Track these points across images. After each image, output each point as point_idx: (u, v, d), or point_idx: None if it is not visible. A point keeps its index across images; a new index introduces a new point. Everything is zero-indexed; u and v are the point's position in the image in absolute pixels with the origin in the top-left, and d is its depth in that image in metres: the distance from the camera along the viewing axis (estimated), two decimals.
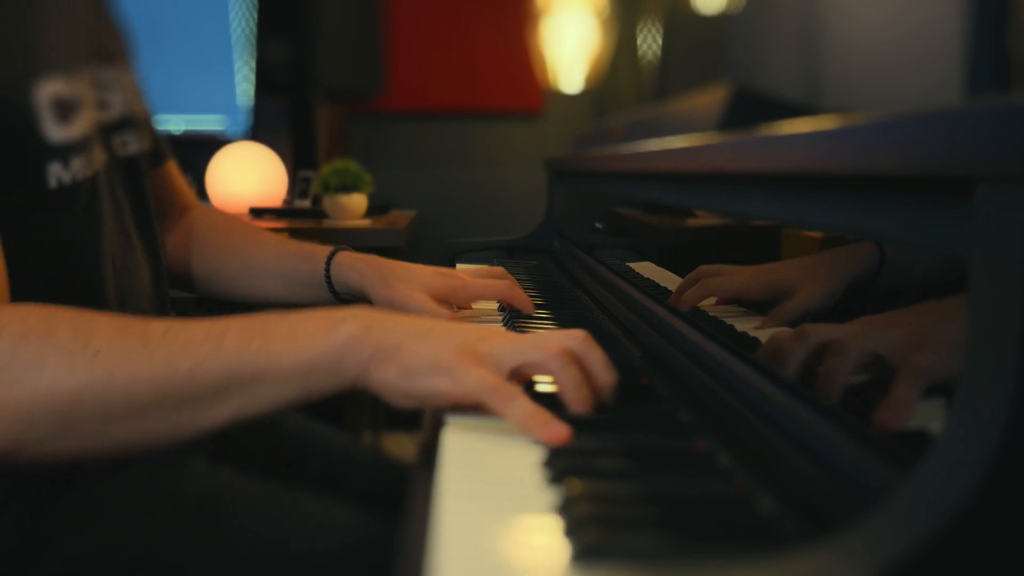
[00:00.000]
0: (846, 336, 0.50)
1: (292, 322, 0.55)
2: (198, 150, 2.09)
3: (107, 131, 0.77)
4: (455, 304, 0.87)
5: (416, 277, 0.85)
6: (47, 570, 0.64)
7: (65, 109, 0.68)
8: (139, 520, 0.67)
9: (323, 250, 0.90)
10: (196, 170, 1.98)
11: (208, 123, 2.56)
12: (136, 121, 0.82)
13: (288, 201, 1.99)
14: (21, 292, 0.60)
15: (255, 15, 1.99)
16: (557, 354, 0.53)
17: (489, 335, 0.55)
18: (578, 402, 0.53)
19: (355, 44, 2.02)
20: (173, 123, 2.53)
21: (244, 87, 2.53)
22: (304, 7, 1.90)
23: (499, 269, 0.92)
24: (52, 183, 0.66)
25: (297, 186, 1.95)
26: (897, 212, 0.38)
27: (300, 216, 1.85)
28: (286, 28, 1.92)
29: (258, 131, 2.43)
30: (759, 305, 0.75)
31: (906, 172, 0.34)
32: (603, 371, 0.55)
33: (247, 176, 1.95)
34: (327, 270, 0.88)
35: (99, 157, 0.74)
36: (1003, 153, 0.28)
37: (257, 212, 1.86)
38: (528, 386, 0.59)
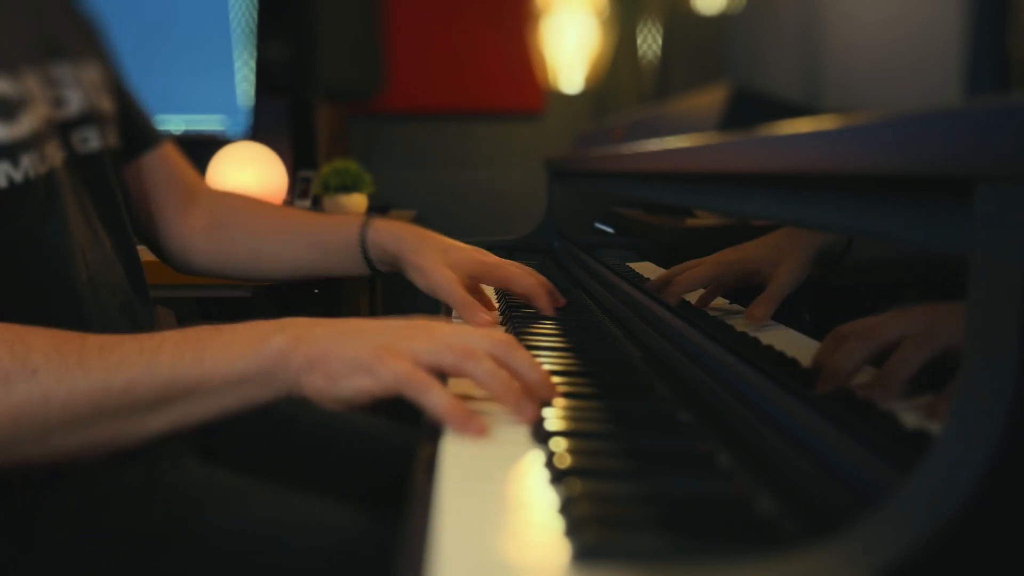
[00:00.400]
0: (913, 330, 0.49)
1: (225, 336, 0.56)
2: (198, 150, 2.08)
3: (64, 128, 0.76)
4: (484, 282, 0.88)
5: (450, 250, 0.86)
6: (42, 568, 0.64)
7: (9, 108, 0.67)
8: (134, 519, 0.67)
9: (356, 218, 0.92)
10: (196, 170, 1.98)
11: (208, 123, 2.56)
12: (99, 117, 0.80)
13: (288, 201, 1.99)
14: None
15: (255, 15, 1.99)
16: (470, 355, 0.53)
17: (413, 333, 0.55)
18: (503, 394, 0.53)
19: (355, 44, 2.02)
20: (173, 123, 2.53)
21: (244, 87, 2.53)
22: (304, 7, 1.91)
23: (530, 271, 0.91)
24: (2, 182, 0.66)
25: (297, 186, 1.95)
26: (897, 212, 0.38)
27: None
28: (286, 28, 1.92)
29: (258, 131, 2.43)
30: (735, 291, 0.75)
31: (906, 172, 0.34)
32: (528, 370, 0.55)
33: (247, 176, 1.95)
34: (362, 237, 0.90)
35: (56, 154, 0.72)
36: (1003, 153, 0.29)
37: None
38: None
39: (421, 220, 2.31)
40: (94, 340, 0.55)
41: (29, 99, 0.69)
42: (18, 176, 0.67)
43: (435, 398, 0.51)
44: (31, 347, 0.53)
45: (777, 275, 0.66)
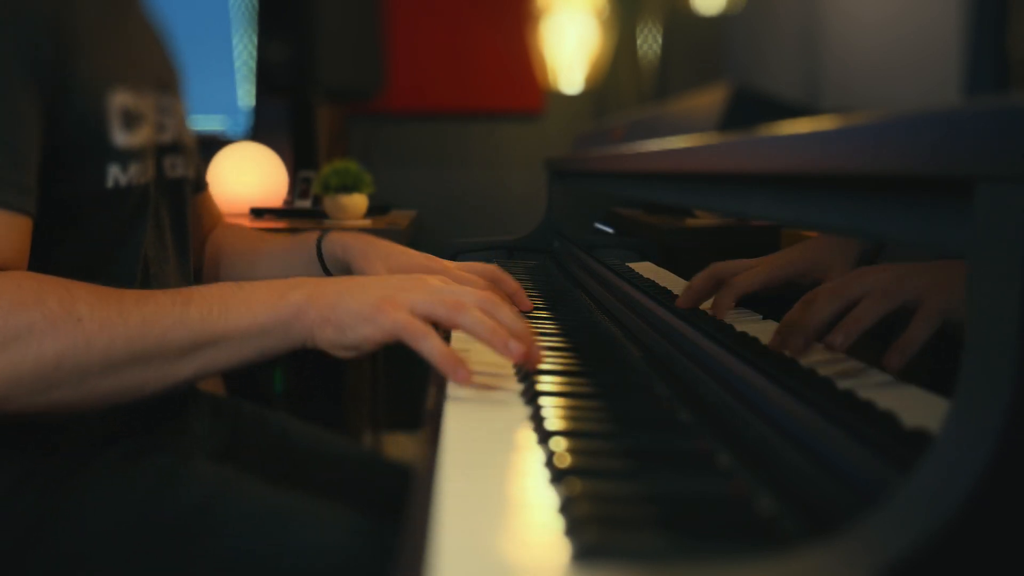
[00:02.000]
0: (881, 284, 0.52)
1: (247, 292, 0.62)
2: (199, 151, 2.08)
3: (160, 151, 0.83)
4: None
5: (393, 255, 0.89)
6: (54, 560, 0.65)
7: (130, 119, 0.75)
8: (145, 516, 0.68)
9: (314, 233, 0.99)
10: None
11: (209, 124, 2.56)
12: (184, 148, 0.88)
13: (289, 201, 1.99)
14: (57, 274, 0.67)
15: (255, 15, 1.99)
16: (461, 308, 0.59)
17: (411, 286, 0.61)
18: (491, 338, 0.58)
19: (355, 44, 2.02)
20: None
21: (244, 87, 2.53)
22: (304, 7, 1.91)
23: (492, 267, 0.90)
24: (109, 183, 0.73)
25: (297, 186, 1.95)
26: (897, 212, 0.38)
27: (301, 216, 1.85)
28: (286, 28, 1.92)
29: (259, 131, 2.43)
30: (764, 301, 0.75)
31: (905, 172, 0.34)
32: (512, 322, 0.61)
33: (248, 176, 1.95)
34: (318, 248, 0.96)
35: (151, 172, 0.79)
36: (1002, 153, 0.29)
37: (258, 212, 1.86)
38: (529, 375, 0.59)
39: (421, 220, 2.32)
40: (131, 294, 0.61)
41: (144, 117, 0.77)
42: (123, 181, 0.74)
43: (430, 345, 0.57)
44: (77, 298, 0.59)
45: (835, 273, 0.67)
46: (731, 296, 0.74)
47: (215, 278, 1.03)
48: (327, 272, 0.97)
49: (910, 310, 0.50)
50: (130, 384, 0.60)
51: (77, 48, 0.69)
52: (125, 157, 0.74)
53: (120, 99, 0.74)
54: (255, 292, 0.62)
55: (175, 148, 0.85)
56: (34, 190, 0.65)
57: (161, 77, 0.85)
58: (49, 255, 0.68)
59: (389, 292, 0.61)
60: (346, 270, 0.94)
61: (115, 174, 0.73)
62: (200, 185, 1.02)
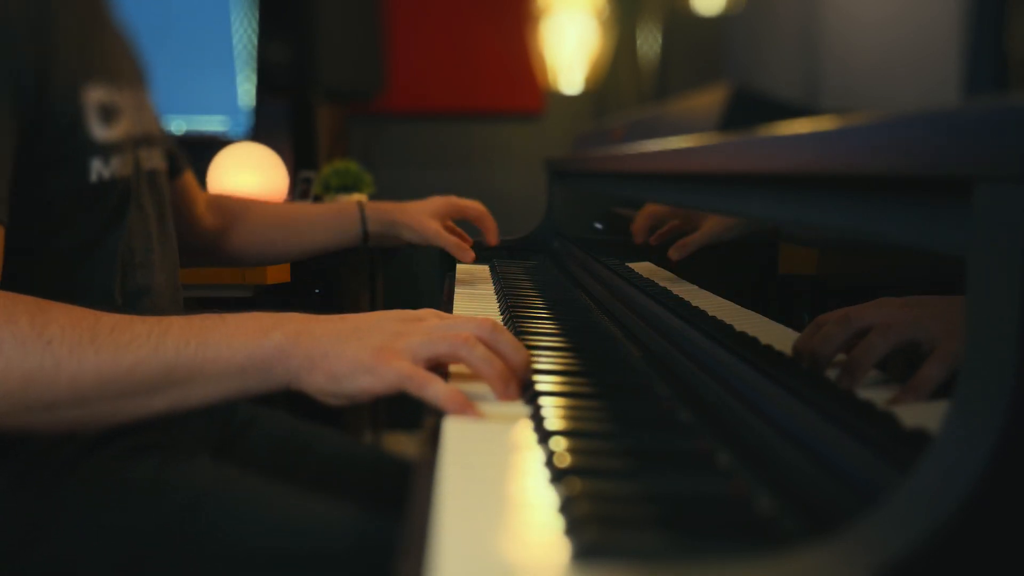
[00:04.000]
0: (890, 319, 0.51)
1: (229, 326, 0.59)
2: (199, 151, 2.08)
3: (136, 143, 0.83)
4: (453, 215, 1.16)
5: (426, 205, 1.14)
6: (52, 558, 0.65)
7: (108, 113, 0.75)
8: (142, 513, 0.68)
9: (351, 204, 1.15)
10: (198, 171, 1.97)
11: (209, 124, 2.56)
12: (157, 140, 0.89)
13: (289, 201, 1.99)
14: (49, 276, 0.68)
15: (256, 16, 1.99)
16: (463, 342, 0.57)
17: (409, 330, 0.58)
18: (493, 378, 0.57)
19: (355, 45, 2.02)
20: (174, 124, 2.53)
21: (245, 88, 2.53)
22: (305, 8, 1.91)
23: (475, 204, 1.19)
24: (93, 177, 0.73)
25: (298, 186, 1.95)
26: (896, 212, 0.38)
27: None
28: (287, 29, 1.92)
29: (259, 132, 2.43)
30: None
31: (904, 172, 0.34)
32: (513, 352, 0.59)
33: (248, 177, 1.95)
34: (361, 213, 1.12)
35: (131, 165, 0.80)
36: (1001, 153, 0.29)
37: None
38: (531, 387, 0.59)
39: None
40: (108, 319, 0.58)
41: (122, 110, 0.78)
42: (106, 174, 0.74)
43: (435, 392, 0.54)
44: (49, 319, 0.56)
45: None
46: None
47: (229, 245, 1.11)
48: (366, 240, 1.13)
49: (922, 344, 0.48)
50: (99, 414, 0.58)
51: (54, 49, 0.70)
52: (106, 150, 0.74)
53: (96, 94, 0.74)
54: (238, 327, 0.59)
55: (148, 140, 0.86)
56: (7, 199, 0.64)
57: (132, 72, 0.87)
58: (36, 251, 0.69)
59: (385, 340, 0.57)
60: (387, 229, 1.13)
61: (98, 168, 0.73)
62: (178, 169, 1.03)
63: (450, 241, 1.10)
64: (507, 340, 0.59)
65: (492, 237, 1.19)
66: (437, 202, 1.14)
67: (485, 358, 0.57)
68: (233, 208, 1.13)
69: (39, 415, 0.56)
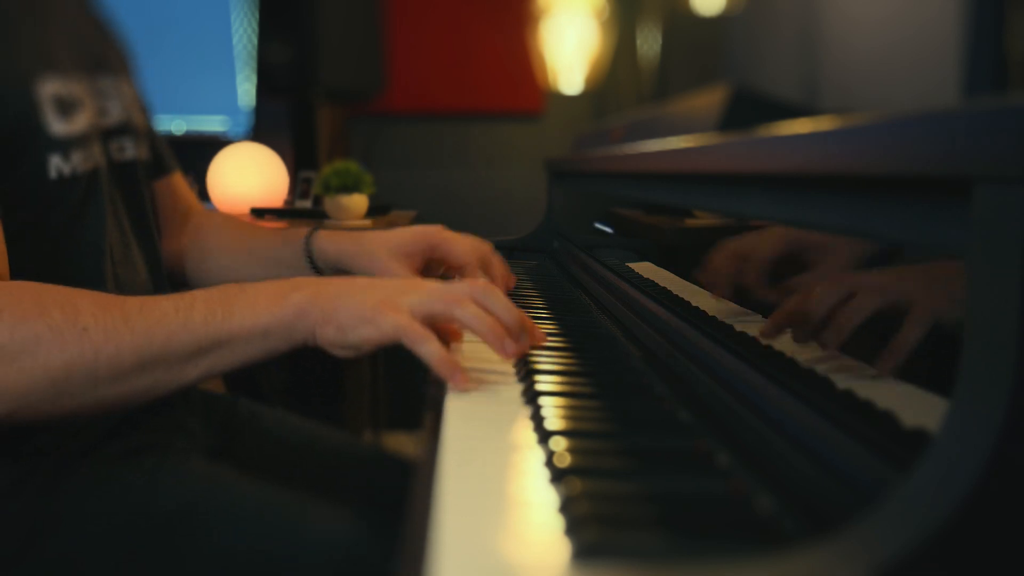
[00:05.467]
0: (875, 282, 0.53)
1: (249, 294, 0.62)
2: (200, 151, 2.09)
3: (105, 135, 0.81)
4: (433, 254, 0.88)
5: (388, 238, 0.87)
6: (50, 556, 0.65)
7: (65, 106, 0.73)
8: (139, 515, 0.68)
9: (302, 231, 0.94)
10: (197, 171, 1.98)
11: (209, 124, 2.56)
12: (134, 129, 0.86)
13: (289, 202, 1.99)
14: (22, 276, 0.65)
15: (256, 16, 1.99)
16: (457, 301, 0.61)
17: (408, 288, 0.62)
18: (486, 334, 0.60)
19: (356, 45, 2.02)
20: (175, 124, 2.53)
21: (245, 88, 2.53)
22: (305, 8, 1.91)
23: (486, 247, 0.92)
24: (52, 174, 0.71)
25: (298, 187, 1.95)
26: (895, 212, 0.38)
27: (301, 217, 1.85)
28: (287, 29, 1.92)
29: (259, 132, 2.43)
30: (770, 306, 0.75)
31: (904, 172, 0.34)
32: (504, 312, 0.62)
33: (248, 177, 1.95)
34: (307, 247, 0.92)
35: (98, 158, 0.78)
36: (1000, 154, 0.29)
37: (258, 213, 1.87)
38: (529, 375, 0.59)
39: (421, 220, 2.31)
40: (133, 301, 0.61)
41: (80, 102, 0.76)
42: (67, 170, 0.73)
43: (428, 349, 0.58)
44: (80, 308, 0.59)
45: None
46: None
47: (200, 271, 1.01)
48: (316, 270, 0.93)
49: (903, 310, 0.50)
50: (139, 389, 0.60)
51: (1, 43, 0.68)
52: (65, 145, 0.72)
53: (50, 87, 0.72)
54: (258, 294, 0.62)
55: (123, 130, 0.84)
56: None
57: (97, 59, 0.83)
58: (6, 253, 0.68)
59: (388, 294, 0.61)
60: (340, 264, 0.91)
61: (57, 164, 0.72)
62: (164, 168, 0.99)
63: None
64: (498, 300, 0.62)
65: (500, 284, 0.90)
66: (403, 235, 0.87)
67: (477, 315, 0.60)
68: (199, 232, 1.02)
69: (82, 398, 0.59)
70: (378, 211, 1.93)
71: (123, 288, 0.79)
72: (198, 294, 0.62)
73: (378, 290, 0.62)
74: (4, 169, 0.69)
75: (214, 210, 1.13)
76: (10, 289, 0.59)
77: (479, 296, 0.62)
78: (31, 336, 0.56)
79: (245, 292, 0.63)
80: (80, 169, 0.74)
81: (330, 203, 1.76)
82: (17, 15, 0.71)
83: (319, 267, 0.93)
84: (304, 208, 1.90)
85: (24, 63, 0.71)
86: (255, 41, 1.98)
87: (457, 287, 0.63)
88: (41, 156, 0.71)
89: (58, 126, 0.72)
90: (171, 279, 1.01)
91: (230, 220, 1.05)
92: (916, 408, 0.44)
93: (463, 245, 0.88)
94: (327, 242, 0.91)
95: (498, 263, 0.91)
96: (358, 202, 1.77)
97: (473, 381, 0.60)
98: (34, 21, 0.73)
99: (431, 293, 0.62)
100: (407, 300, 0.61)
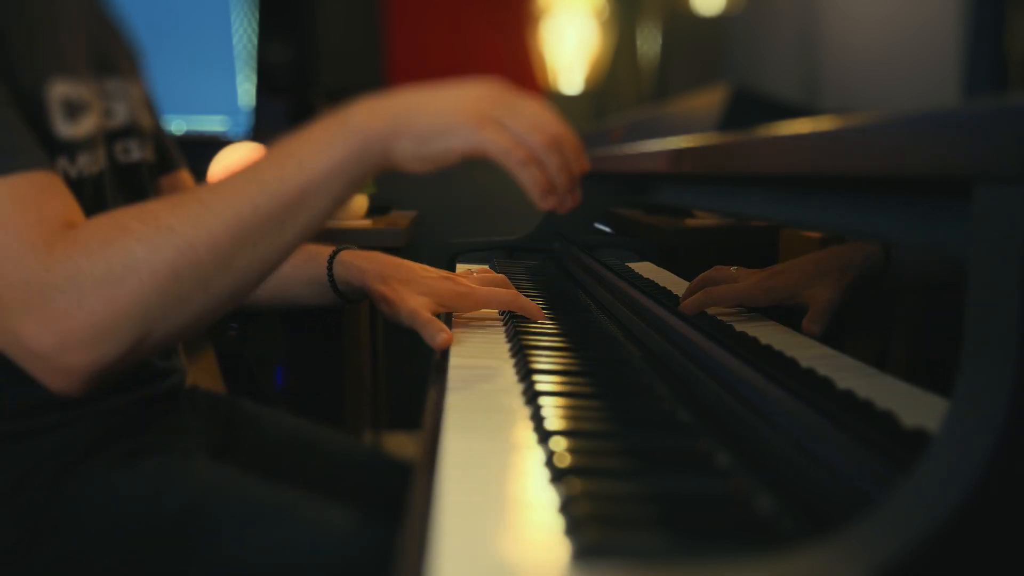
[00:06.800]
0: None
1: (306, 137, 0.61)
2: (199, 151, 2.08)
3: (110, 137, 0.80)
4: (457, 311, 0.84)
5: (418, 280, 0.81)
6: (53, 556, 0.65)
7: (73, 109, 0.72)
8: (141, 516, 0.68)
9: (327, 250, 0.89)
10: (197, 171, 1.97)
11: (209, 124, 2.56)
12: (140, 131, 0.85)
13: None
14: None
15: (256, 16, 1.99)
16: (548, 145, 0.61)
17: (495, 102, 0.61)
18: (560, 185, 0.62)
19: (356, 45, 2.02)
20: (175, 124, 2.53)
21: (245, 88, 2.53)
22: (305, 8, 1.91)
23: (501, 277, 0.90)
24: (59, 176, 0.70)
25: None
26: (895, 212, 0.38)
27: None
28: (287, 29, 1.92)
29: (259, 132, 2.43)
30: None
31: (904, 173, 0.34)
32: (575, 163, 0.64)
33: None
34: (329, 269, 0.87)
35: (103, 160, 0.77)
36: (1000, 154, 0.29)
37: None
38: (529, 375, 0.59)
39: (421, 220, 2.32)
40: (203, 188, 0.61)
41: (88, 105, 0.75)
42: (73, 173, 0.72)
43: (531, 173, 0.59)
44: (158, 213, 0.58)
45: (818, 301, 0.67)
46: (701, 303, 0.74)
47: None
48: (342, 297, 0.88)
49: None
50: (248, 271, 0.60)
51: (11, 45, 0.68)
52: (72, 148, 0.72)
53: (59, 90, 0.72)
54: (314, 134, 0.61)
55: (129, 132, 0.83)
56: (34, 145, 0.64)
57: (105, 61, 0.82)
58: (76, 202, 0.66)
59: (475, 104, 0.60)
60: (360, 293, 0.87)
61: (63, 167, 0.71)
62: (170, 165, 0.97)
63: (426, 326, 0.74)
64: (570, 151, 0.63)
65: (532, 314, 0.83)
66: (434, 285, 0.81)
67: (560, 165, 0.61)
68: None
69: (200, 299, 0.58)
70: (378, 211, 1.93)
71: None
72: (258, 161, 0.61)
73: (458, 98, 0.61)
74: None
75: None
76: (87, 224, 0.59)
77: (560, 150, 0.62)
78: (126, 253, 0.56)
79: (302, 139, 0.61)
80: (86, 172, 0.74)
81: None
82: (31, 18, 0.71)
83: (343, 293, 0.89)
84: None
85: (36, 66, 0.70)
86: (255, 41, 1.98)
87: (543, 120, 0.62)
88: (49, 159, 0.69)
89: (65, 129, 0.71)
90: None
91: None
92: (916, 408, 0.44)
93: (497, 298, 0.83)
94: (350, 267, 0.87)
95: (526, 304, 0.84)
96: (358, 202, 1.77)
97: (473, 380, 0.60)
98: (47, 23, 0.73)
99: (527, 119, 0.60)
100: (502, 118, 0.60)
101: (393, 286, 0.81)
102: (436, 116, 0.59)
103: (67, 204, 0.63)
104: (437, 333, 0.73)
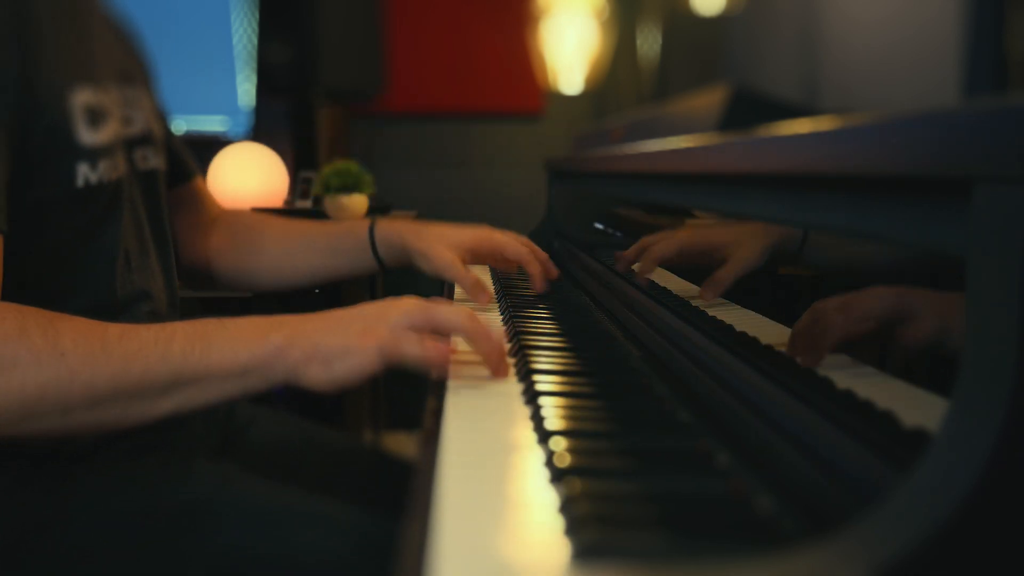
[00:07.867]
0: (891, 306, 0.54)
1: (229, 331, 0.62)
2: (200, 151, 2.07)
3: (129, 144, 0.82)
4: (480, 251, 0.98)
5: (447, 234, 0.96)
6: (53, 555, 0.65)
7: (95, 116, 0.74)
8: (141, 516, 0.68)
9: (362, 223, 1.02)
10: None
11: (210, 124, 2.56)
12: (154, 139, 0.87)
13: (289, 202, 1.99)
14: (35, 280, 0.68)
15: (257, 16, 1.99)
16: (434, 307, 0.63)
17: (386, 312, 0.63)
18: (468, 328, 0.63)
19: (356, 45, 2.02)
20: (175, 124, 2.53)
21: (245, 88, 2.53)
22: (305, 8, 1.91)
23: (533, 247, 1.02)
24: (79, 182, 0.72)
25: (298, 187, 1.95)
26: (895, 212, 0.38)
27: (301, 217, 1.85)
28: (287, 29, 1.92)
29: (259, 132, 2.43)
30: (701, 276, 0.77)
31: (904, 173, 0.34)
32: (483, 343, 0.64)
33: (248, 177, 1.95)
34: (371, 236, 0.99)
35: (122, 167, 0.79)
36: (1000, 154, 0.29)
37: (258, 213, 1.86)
38: (529, 375, 0.59)
39: (421, 220, 2.32)
40: (114, 328, 0.61)
41: (109, 112, 0.77)
42: (93, 178, 0.74)
43: (412, 346, 0.60)
44: (61, 332, 0.59)
45: (734, 258, 0.72)
46: (650, 262, 0.82)
47: (248, 266, 1.03)
48: (380, 263, 1.00)
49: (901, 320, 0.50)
50: (110, 418, 0.60)
51: (38, 52, 0.69)
52: (93, 155, 0.73)
53: (83, 97, 0.73)
54: (238, 331, 0.62)
55: (146, 140, 0.85)
56: (4, 208, 0.65)
57: (123, 70, 0.85)
58: (25, 258, 0.68)
59: (368, 324, 0.62)
60: (400, 256, 0.98)
61: (85, 172, 0.72)
62: (187, 173, 1.00)
63: (465, 279, 0.93)
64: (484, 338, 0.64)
65: (539, 283, 1.00)
66: (465, 234, 0.97)
67: (458, 312, 0.62)
68: (240, 229, 1.04)
69: (53, 420, 0.59)
70: (378, 211, 1.93)
71: (138, 296, 0.80)
72: (179, 326, 0.62)
73: (357, 321, 0.63)
74: (36, 176, 0.69)
75: (241, 209, 1.14)
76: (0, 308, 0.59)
77: (455, 310, 0.64)
78: (9, 357, 0.56)
79: (225, 328, 0.62)
80: (106, 178, 0.75)
81: (330, 203, 1.76)
82: (52, 27, 0.72)
83: (382, 256, 1.00)
84: (304, 208, 1.90)
85: (61, 73, 0.71)
86: (255, 41, 1.98)
87: (432, 302, 0.65)
88: (70, 165, 0.71)
89: (87, 135, 0.73)
90: (196, 280, 1.04)
91: (269, 217, 1.08)
92: (916, 408, 0.44)
93: (515, 242, 1.00)
94: (390, 230, 0.99)
95: (544, 255, 1.01)
96: (358, 202, 1.77)
97: (473, 380, 0.60)
98: (72, 31, 0.75)
99: (409, 309, 0.63)
100: (386, 322, 0.62)
101: (429, 242, 0.95)
102: (335, 342, 0.61)
103: None
104: (479, 293, 0.91)
